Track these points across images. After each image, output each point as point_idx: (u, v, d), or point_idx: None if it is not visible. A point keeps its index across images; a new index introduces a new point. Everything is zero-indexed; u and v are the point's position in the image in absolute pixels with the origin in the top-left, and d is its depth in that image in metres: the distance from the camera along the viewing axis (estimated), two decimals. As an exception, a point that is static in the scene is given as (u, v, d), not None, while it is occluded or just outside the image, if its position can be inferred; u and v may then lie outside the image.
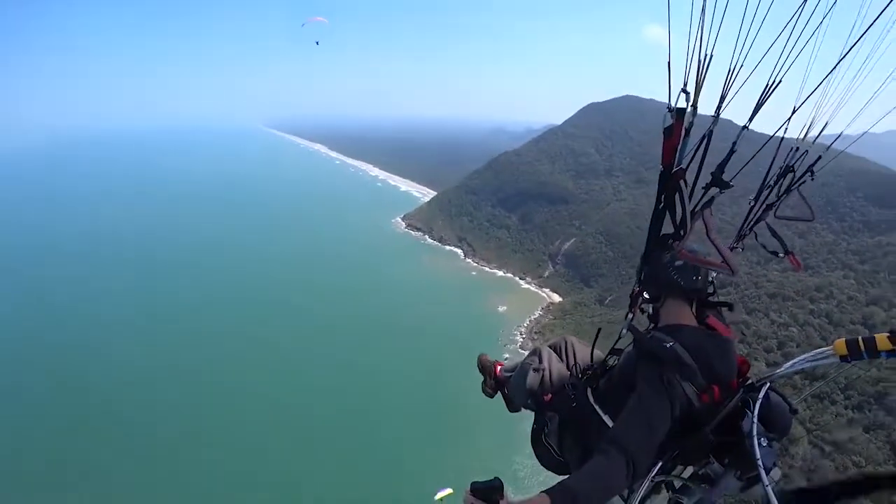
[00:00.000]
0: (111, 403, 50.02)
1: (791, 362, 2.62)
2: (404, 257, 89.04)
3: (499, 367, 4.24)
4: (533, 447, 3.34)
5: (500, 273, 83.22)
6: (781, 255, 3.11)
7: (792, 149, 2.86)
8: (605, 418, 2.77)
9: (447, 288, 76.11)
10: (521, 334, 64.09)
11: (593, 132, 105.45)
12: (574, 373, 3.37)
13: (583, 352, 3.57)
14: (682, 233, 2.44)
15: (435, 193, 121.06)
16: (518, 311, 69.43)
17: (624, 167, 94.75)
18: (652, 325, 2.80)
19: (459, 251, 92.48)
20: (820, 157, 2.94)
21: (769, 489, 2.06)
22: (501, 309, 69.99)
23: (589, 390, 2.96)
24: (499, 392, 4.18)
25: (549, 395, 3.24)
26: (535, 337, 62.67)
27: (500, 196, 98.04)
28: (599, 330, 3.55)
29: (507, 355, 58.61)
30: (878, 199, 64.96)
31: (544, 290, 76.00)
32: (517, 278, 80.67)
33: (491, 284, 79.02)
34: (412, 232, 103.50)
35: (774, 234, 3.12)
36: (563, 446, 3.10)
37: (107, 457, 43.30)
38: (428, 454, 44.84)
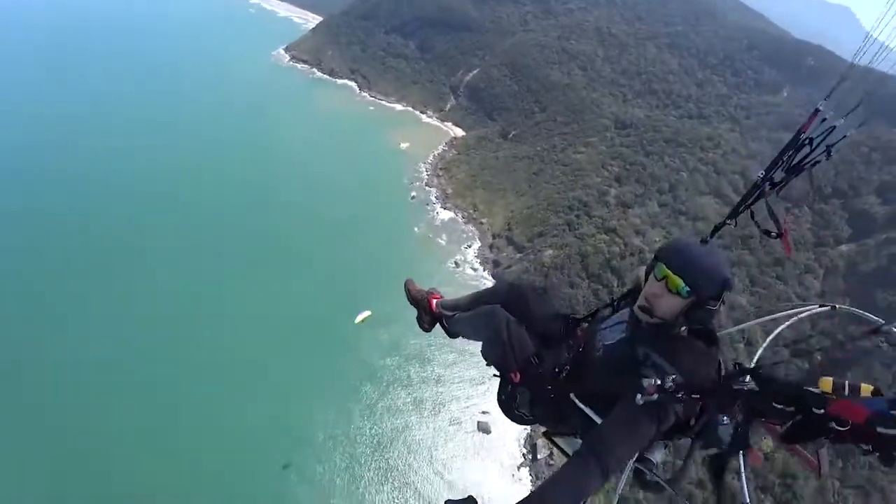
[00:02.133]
0: None
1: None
2: (293, 94, 79.15)
3: (434, 301, 3.88)
4: (500, 408, 3.22)
5: (400, 107, 77.56)
6: (774, 234, 2.83)
7: (821, 119, 2.58)
8: (590, 413, 2.68)
9: (344, 126, 69.91)
10: (426, 171, 61.84)
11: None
12: (536, 338, 3.09)
13: (539, 309, 3.24)
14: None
15: (320, 19, 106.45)
16: (421, 146, 66.20)
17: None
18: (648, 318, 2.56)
19: (353, 84, 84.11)
20: (845, 137, 2.60)
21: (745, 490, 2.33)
22: (404, 146, 66.25)
23: (573, 394, 2.77)
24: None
25: (518, 375, 3.00)
26: (440, 173, 60.82)
27: (395, 22, 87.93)
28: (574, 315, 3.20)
29: (413, 193, 56.93)
30: (772, 60, 68.30)
31: (446, 123, 72.34)
32: (418, 112, 75.69)
33: (390, 119, 73.84)
34: (298, 65, 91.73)
35: (772, 213, 2.81)
36: (534, 413, 3.04)
37: None
38: (335, 308, 43.40)
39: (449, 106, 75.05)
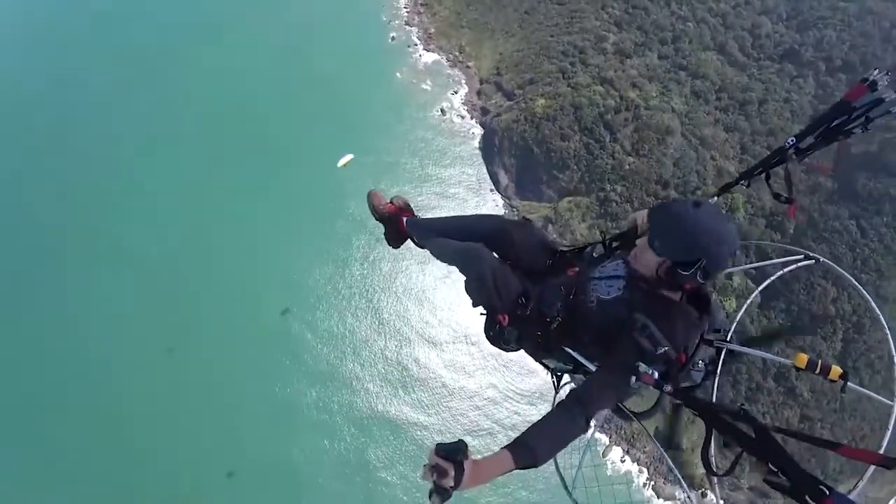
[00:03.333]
0: None
1: (752, 350, 2.89)
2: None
3: (405, 220, 3.72)
4: (489, 342, 3.16)
5: (369, -71, 67.46)
6: (784, 199, 2.83)
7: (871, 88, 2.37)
8: (583, 360, 2.76)
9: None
10: (405, 7, 55.75)
11: None
12: (521, 273, 3.06)
13: (525, 242, 3.20)
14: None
15: None
16: None
17: None
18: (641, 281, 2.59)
19: None
20: (889, 112, 2.40)
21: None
22: None
23: (564, 345, 2.85)
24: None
25: (506, 318, 2.94)
26: (421, 10, 55.25)
27: None
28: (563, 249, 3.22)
29: (393, 34, 52.21)
30: None
31: (426, -49, 63.99)
32: (392, -65, 66.25)
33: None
34: None
35: (788, 179, 2.82)
36: (523, 346, 3.10)
37: None
38: (316, 154, 41.55)
39: (428, -73, 65.69)
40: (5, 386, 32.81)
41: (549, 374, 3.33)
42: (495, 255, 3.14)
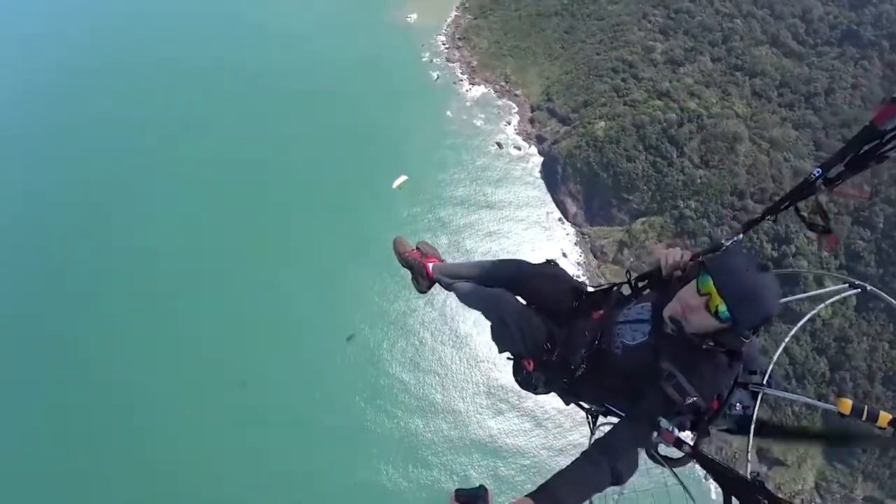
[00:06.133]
0: None
1: (792, 395, 2.80)
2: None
3: (430, 265, 3.78)
4: (518, 385, 3.23)
5: (394, -31, 68.54)
6: (821, 229, 2.55)
7: None
8: (611, 407, 2.80)
9: (335, 7, 61.31)
10: (443, 43, 56.65)
11: None
12: (546, 316, 3.01)
13: (549, 287, 3.13)
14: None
15: None
16: (431, 15, 59.29)
17: None
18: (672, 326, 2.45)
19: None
20: None
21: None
22: (411, 18, 59.42)
23: (588, 388, 2.86)
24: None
25: (532, 363, 2.97)
26: (460, 44, 56.00)
27: None
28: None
29: (437, 73, 52.94)
30: None
31: (453, -18, 64.61)
32: (416, -28, 67.15)
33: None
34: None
35: (821, 210, 2.53)
36: (552, 390, 3.08)
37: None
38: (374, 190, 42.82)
39: (452, -42, 66.27)
40: (80, 421, 34.47)
41: (585, 414, 3.26)
42: (520, 299, 3.13)
